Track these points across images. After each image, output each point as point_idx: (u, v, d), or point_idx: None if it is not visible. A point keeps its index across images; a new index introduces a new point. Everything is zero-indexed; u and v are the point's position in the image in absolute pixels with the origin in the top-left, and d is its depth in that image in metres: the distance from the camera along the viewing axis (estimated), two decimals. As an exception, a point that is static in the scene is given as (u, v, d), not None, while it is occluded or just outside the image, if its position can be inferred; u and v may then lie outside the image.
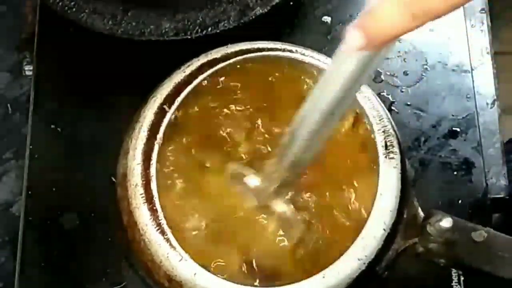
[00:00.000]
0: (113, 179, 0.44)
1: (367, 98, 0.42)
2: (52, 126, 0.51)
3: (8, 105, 0.55)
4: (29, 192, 0.49)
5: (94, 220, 0.48)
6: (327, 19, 0.58)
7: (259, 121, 0.43)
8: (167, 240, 0.37)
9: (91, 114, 0.52)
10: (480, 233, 0.37)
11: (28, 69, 0.56)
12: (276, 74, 0.44)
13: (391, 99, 0.54)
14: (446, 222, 0.37)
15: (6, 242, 0.50)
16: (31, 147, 0.50)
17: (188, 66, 0.43)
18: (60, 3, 0.51)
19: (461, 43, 0.57)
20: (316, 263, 0.38)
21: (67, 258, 0.47)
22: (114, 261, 0.47)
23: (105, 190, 0.46)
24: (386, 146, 0.40)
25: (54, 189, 0.49)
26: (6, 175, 0.52)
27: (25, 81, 0.56)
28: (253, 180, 0.40)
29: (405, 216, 0.39)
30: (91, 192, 0.49)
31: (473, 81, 0.56)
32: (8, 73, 0.56)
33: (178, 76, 0.42)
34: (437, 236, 0.38)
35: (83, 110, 0.53)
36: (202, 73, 0.42)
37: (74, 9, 0.51)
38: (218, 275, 0.37)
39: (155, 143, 0.40)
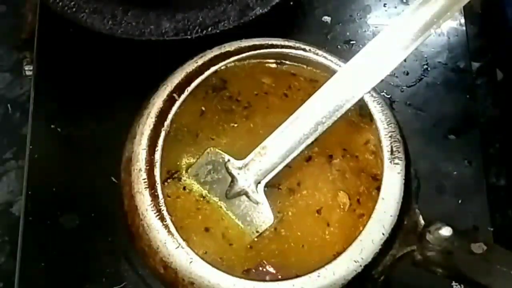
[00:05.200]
0: (113, 179, 0.44)
1: (376, 102, 0.42)
2: (52, 126, 0.51)
3: (8, 105, 0.55)
4: (29, 192, 0.49)
5: (94, 220, 0.48)
6: (327, 19, 0.58)
7: (262, 117, 0.43)
8: (166, 226, 0.37)
9: (91, 114, 0.52)
10: (480, 245, 0.37)
11: (28, 69, 0.56)
12: (286, 71, 0.44)
13: (391, 99, 0.54)
14: (446, 231, 0.37)
15: (6, 242, 0.50)
16: (31, 147, 0.50)
17: (201, 57, 0.43)
18: (60, 3, 0.51)
19: (461, 43, 0.57)
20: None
21: (67, 258, 0.47)
22: (114, 261, 0.47)
23: (105, 190, 0.46)
24: (391, 151, 0.40)
25: (54, 189, 0.49)
26: (6, 175, 0.52)
27: (25, 81, 0.56)
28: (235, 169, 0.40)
29: (405, 222, 0.39)
30: (91, 192, 0.49)
31: (473, 81, 0.56)
32: (8, 73, 0.56)
33: (190, 66, 0.42)
34: (436, 245, 0.37)
35: (83, 110, 0.53)
36: (214, 65, 0.42)
37: (74, 9, 0.51)
38: (213, 265, 0.37)
39: (162, 130, 0.40)
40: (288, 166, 0.40)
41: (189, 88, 0.41)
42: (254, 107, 0.44)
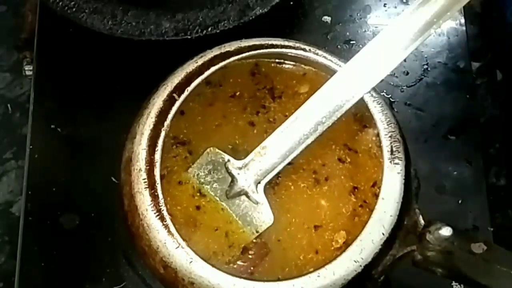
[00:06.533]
0: (113, 179, 0.44)
1: (376, 102, 0.42)
2: (52, 126, 0.51)
3: (8, 105, 0.55)
4: (29, 192, 0.49)
5: (94, 220, 0.48)
6: (327, 19, 0.58)
7: (262, 117, 0.44)
8: (166, 226, 0.37)
9: (91, 114, 0.52)
10: (480, 245, 0.37)
11: (28, 69, 0.56)
12: (285, 71, 0.45)
13: (391, 99, 0.54)
14: (446, 231, 0.37)
15: (6, 242, 0.50)
16: (31, 147, 0.50)
17: (201, 57, 0.43)
18: (60, 3, 0.51)
19: (461, 43, 0.57)
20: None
21: (67, 258, 0.47)
22: (114, 261, 0.47)
23: (105, 190, 0.46)
24: (391, 151, 0.40)
25: (54, 189, 0.49)
26: (6, 175, 0.52)
27: (25, 81, 0.56)
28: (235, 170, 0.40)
29: (405, 222, 0.39)
30: (91, 192, 0.49)
31: (473, 80, 0.56)
32: (8, 73, 0.56)
33: (190, 66, 0.42)
34: (436, 245, 0.37)
35: (83, 110, 0.53)
36: (214, 65, 0.42)
37: (74, 9, 0.51)
38: (213, 264, 0.37)
39: (162, 130, 0.40)
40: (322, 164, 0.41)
41: (189, 88, 0.41)
42: (277, 124, 0.43)
